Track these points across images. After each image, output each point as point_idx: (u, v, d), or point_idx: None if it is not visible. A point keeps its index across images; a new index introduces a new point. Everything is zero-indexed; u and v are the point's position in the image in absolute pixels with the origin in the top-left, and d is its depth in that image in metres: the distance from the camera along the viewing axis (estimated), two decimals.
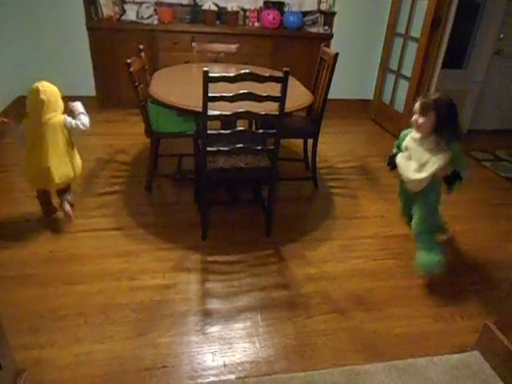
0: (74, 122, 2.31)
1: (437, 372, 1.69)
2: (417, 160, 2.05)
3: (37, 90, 2.16)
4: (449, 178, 2.05)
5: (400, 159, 2.16)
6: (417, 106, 2.01)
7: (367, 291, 2.11)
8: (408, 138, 2.12)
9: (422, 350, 1.79)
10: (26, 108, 2.23)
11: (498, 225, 2.80)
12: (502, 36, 4.10)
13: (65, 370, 1.59)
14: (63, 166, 2.28)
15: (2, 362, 1.27)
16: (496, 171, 3.66)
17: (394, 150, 2.26)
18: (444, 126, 1.93)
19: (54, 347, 1.67)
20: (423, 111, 1.95)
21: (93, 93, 4.16)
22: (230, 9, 4.15)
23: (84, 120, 2.36)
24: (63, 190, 2.41)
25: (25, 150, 2.25)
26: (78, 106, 2.42)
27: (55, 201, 2.43)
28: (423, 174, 2.01)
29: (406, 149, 2.12)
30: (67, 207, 2.40)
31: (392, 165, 2.25)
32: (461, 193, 3.15)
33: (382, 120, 4.45)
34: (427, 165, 2.00)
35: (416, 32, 3.86)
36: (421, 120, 1.96)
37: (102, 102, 4.20)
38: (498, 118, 4.62)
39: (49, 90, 2.22)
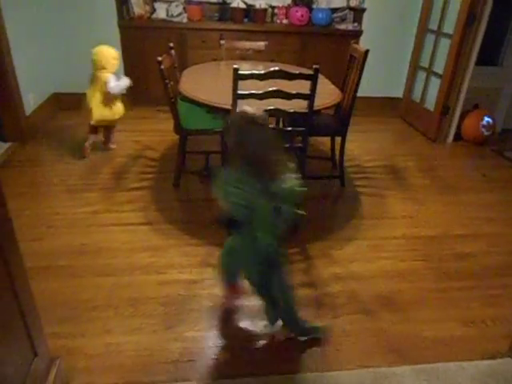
0: (112, 83, 3.01)
1: (466, 378, 1.65)
2: None
3: (93, 52, 2.99)
4: None
5: None
6: None
7: (395, 292, 2.08)
8: None
9: (451, 354, 1.76)
10: None
11: None
12: None
13: (95, 358, 1.64)
14: (101, 109, 3.08)
15: (37, 349, 1.32)
16: None
17: None
18: None
19: (85, 337, 1.73)
20: None
21: (123, 90, 4.23)
22: (258, 6, 4.15)
23: (117, 85, 3.05)
24: (107, 129, 3.29)
25: None
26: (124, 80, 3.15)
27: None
28: None
29: None
30: (109, 142, 3.35)
31: None
32: (493, 194, 3.07)
33: (412, 118, 4.36)
34: None
35: (449, 28, 3.75)
36: None
37: (132, 99, 4.26)
38: None
39: (100, 52, 3.01)
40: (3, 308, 1.14)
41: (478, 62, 3.72)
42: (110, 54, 3.03)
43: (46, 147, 3.37)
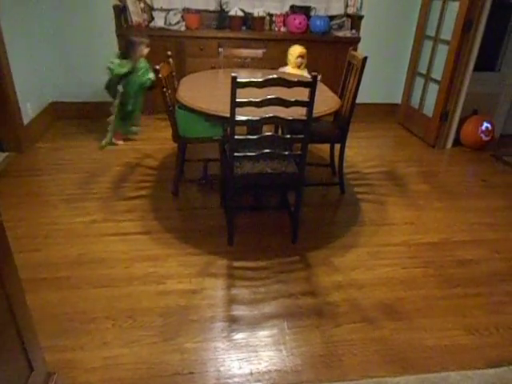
0: None
1: None
2: None
3: None
4: None
5: None
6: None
7: (397, 300, 2.05)
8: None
9: (455, 363, 1.73)
10: None
11: None
12: None
13: (94, 372, 1.60)
14: None
15: (34, 363, 1.29)
16: None
17: None
18: None
19: (83, 350, 1.70)
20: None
21: None
22: (256, 14, 4.16)
23: None
24: None
25: None
26: None
27: None
28: None
29: None
30: None
31: None
32: (493, 200, 3.06)
33: (411, 124, 4.36)
34: None
35: (446, 35, 3.76)
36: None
37: None
38: None
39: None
40: None
41: (476, 68, 3.72)
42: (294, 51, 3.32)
43: (44, 157, 3.36)
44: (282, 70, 3.35)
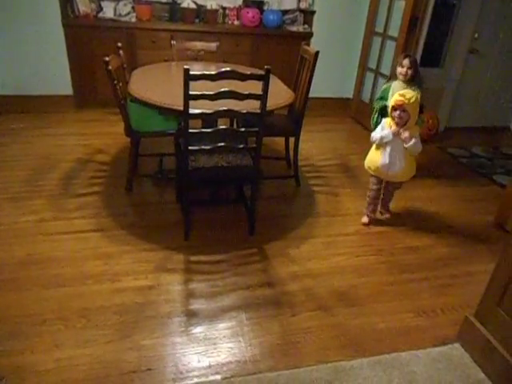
0: None
1: (420, 365, 1.71)
2: None
3: None
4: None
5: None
6: (406, 61, 2.81)
7: (351, 287, 2.13)
8: (392, 89, 2.89)
9: (405, 344, 1.82)
10: None
11: (474, 220, 2.87)
12: (476, 35, 4.20)
13: (45, 375, 1.55)
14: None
15: None
16: (472, 167, 3.74)
17: (377, 104, 2.99)
18: (415, 76, 2.86)
19: (33, 353, 1.63)
20: (412, 65, 2.81)
21: (70, 92, 4.07)
22: (209, 7, 4.12)
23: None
24: None
25: None
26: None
27: None
28: None
29: (392, 95, 2.73)
30: None
31: (383, 113, 2.90)
32: (438, 189, 3.23)
33: (362, 118, 4.50)
34: None
35: (394, 31, 3.91)
36: (409, 71, 2.81)
37: (80, 101, 4.11)
38: (474, 116, 4.73)
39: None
40: None
41: (422, 64, 3.90)
42: None
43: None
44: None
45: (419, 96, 2.78)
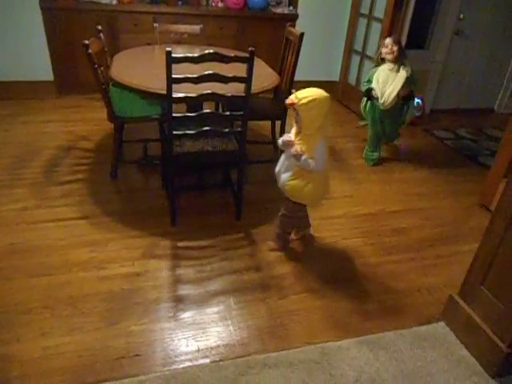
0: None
1: (406, 344, 1.75)
2: (387, 84, 2.94)
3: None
4: (407, 98, 3.02)
5: (377, 89, 2.98)
6: (388, 40, 2.91)
7: (338, 269, 2.14)
8: (378, 71, 3.00)
9: (391, 323, 1.85)
10: None
11: (459, 201, 2.90)
12: (461, 16, 4.19)
13: (32, 364, 1.53)
14: None
15: None
16: (457, 149, 3.77)
17: (365, 85, 3.09)
18: (401, 54, 2.93)
19: (19, 342, 1.61)
20: (395, 43, 2.88)
21: (50, 77, 3.96)
22: None
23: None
24: None
25: None
26: None
27: None
28: (396, 89, 2.90)
29: (376, 79, 2.99)
30: None
31: (369, 96, 3.09)
32: (424, 171, 3.26)
33: (349, 101, 4.49)
34: (395, 82, 2.92)
35: (379, 13, 3.88)
36: (394, 48, 2.87)
37: (61, 86, 4.01)
38: (459, 98, 4.75)
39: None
40: None
41: (407, 46, 3.88)
42: None
43: None
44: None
45: (409, 73, 2.91)
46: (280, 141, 1.93)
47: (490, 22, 4.33)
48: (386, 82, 2.95)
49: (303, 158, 1.84)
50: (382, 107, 2.99)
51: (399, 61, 2.90)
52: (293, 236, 2.30)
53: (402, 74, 2.91)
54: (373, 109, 3.10)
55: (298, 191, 1.96)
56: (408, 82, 2.91)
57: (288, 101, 1.82)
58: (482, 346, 1.66)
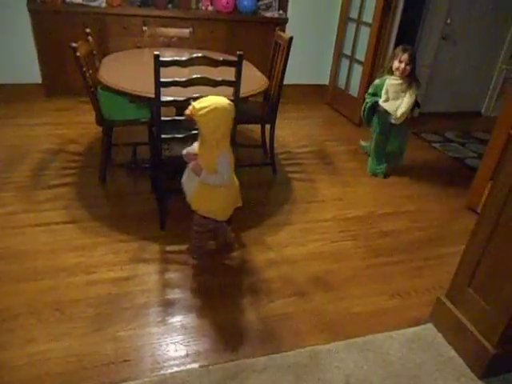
0: None
1: (394, 346, 1.76)
2: (397, 98, 2.85)
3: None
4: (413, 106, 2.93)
5: (385, 102, 2.88)
6: (405, 56, 2.72)
7: (327, 273, 2.15)
8: (386, 85, 2.86)
9: (380, 326, 1.86)
10: None
11: (447, 203, 2.93)
12: (448, 21, 4.24)
13: (19, 371, 1.51)
14: None
15: None
16: (445, 152, 3.82)
17: (369, 99, 2.97)
18: (414, 71, 2.81)
19: (5, 349, 1.59)
20: (411, 60, 2.72)
21: (39, 80, 3.94)
22: None
23: None
24: None
25: None
26: None
27: None
28: (406, 106, 2.83)
29: (386, 92, 2.86)
30: None
31: (371, 114, 3.01)
32: (412, 174, 3.28)
33: (338, 105, 4.52)
34: (405, 99, 2.84)
35: (368, 17, 3.91)
36: (408, 67, 2.74)
37: (50, 89, 3.98)
38: (447, 101, 4.81)
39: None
40: None
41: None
42: None
43: None
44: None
45: (415, 95, 2.82)
46: (184, 151, 1.85)
47: (477, 26, 4.40)
48: (397, 98, 2.85)
49: (202, 175, 1.77)
50: (393, 121, 2.92)
51: (409, 77, 2.80)
52: (214, 246, 2.22)
53: (412, 96, 2.83)
54: (381, 121, 3.00)
55: (204, 204, 1.88)
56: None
57: (186, 111, 1.70)
58: (470, 348, 1.68)
